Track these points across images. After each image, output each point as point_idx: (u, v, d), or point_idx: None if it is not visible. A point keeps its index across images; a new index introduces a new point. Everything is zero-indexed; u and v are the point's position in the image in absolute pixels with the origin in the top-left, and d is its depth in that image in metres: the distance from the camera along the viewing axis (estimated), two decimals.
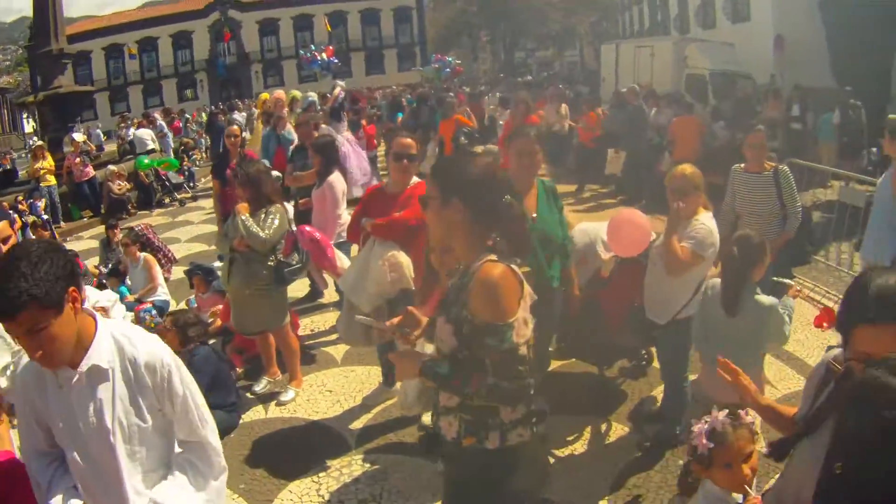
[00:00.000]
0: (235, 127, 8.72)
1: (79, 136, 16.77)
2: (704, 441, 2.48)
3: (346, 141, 12.43)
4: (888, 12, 16.19)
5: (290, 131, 12.72)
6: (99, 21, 62.49)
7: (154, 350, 2.40)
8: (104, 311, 5.91)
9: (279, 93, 15.15)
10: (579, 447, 4.71)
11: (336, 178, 6.67)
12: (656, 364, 5.58)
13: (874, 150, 12.06)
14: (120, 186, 15.57)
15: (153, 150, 19.58)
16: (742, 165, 5.72)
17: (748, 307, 3.74)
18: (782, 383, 5.30)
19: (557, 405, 5.10)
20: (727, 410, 2.55)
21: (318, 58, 29.18)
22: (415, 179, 5.01)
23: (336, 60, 30.75)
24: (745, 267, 3.75)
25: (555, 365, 5.62)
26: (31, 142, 22.87)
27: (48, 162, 15.77)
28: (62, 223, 15.28)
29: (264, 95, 17.03)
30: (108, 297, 6.59)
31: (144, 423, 2.39)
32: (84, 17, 66.25)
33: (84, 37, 59.08)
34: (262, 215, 5.41)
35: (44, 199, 14.79)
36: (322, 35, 58.03)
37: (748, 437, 2.50)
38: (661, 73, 18.60)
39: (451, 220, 2.49)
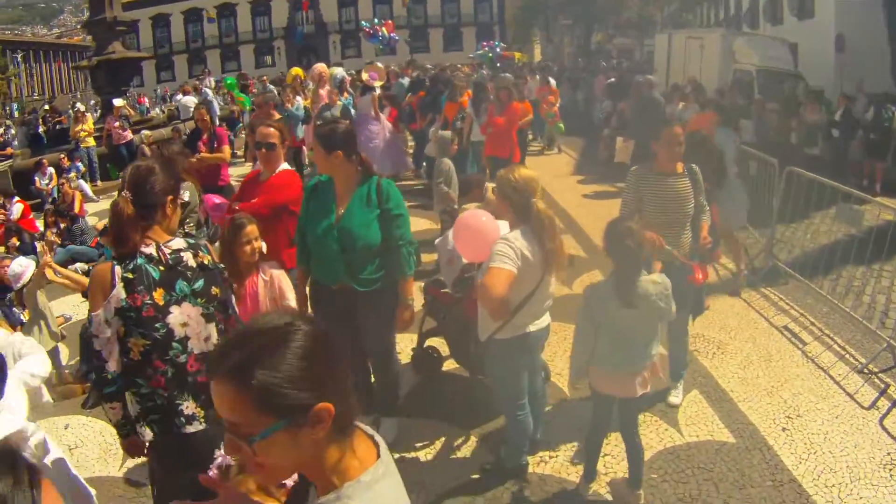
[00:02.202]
0: (202, 108, 8.93)
1: (118, 102, 17.30)
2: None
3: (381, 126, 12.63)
4: None
5: (300, 107, 12.90)
6: None
7: None
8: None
9: (321, 66, 15.32)
10: (422, 455, 4.56)
11: None
12: (556, 380, 5.45)
13: None
14: (152, 150, 16.04)
15: None
16: (643, 166, 5.01)
17: (641, 292, 3.64)
18: (696, 427, 4.88)
19: (424, 409, 5.09)
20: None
21: (379, 32, 29.03)
22: (283, 166, 5.06)
23: (396, 36, 30.62)
24: (639, 253, 3.66)
25: (447, 366, 5.52)
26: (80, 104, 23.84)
27: (88, 125, 16.61)
28: (99, 182, 15.91)
29: (295, 70, 17.31)
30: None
31: None
32: None
33: (163, 0, 61.00)
34: None
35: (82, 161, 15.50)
36: (400, 9, 58.22)
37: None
38: (709, 66, 17.76)
39: None
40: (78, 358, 6.16)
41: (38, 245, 11.00)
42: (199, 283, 2.93)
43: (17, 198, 13.30)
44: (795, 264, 7.78)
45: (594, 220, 9.11)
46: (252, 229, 4.04)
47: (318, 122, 11.56)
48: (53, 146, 18.34)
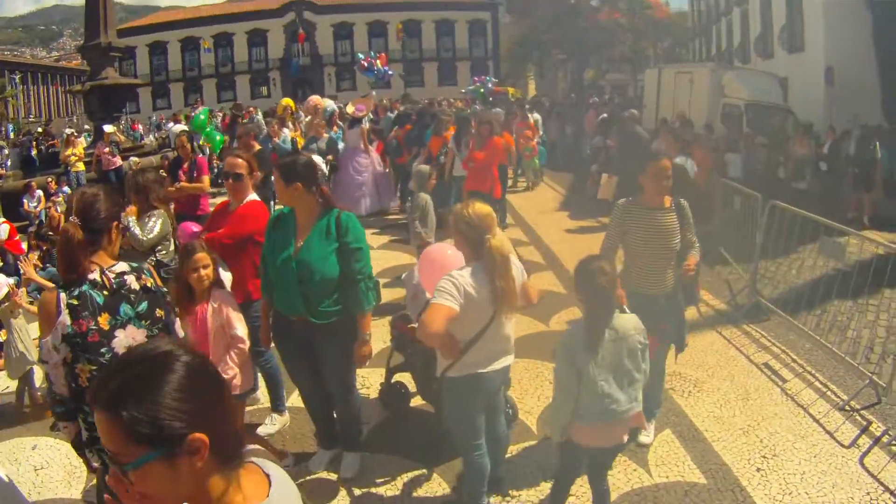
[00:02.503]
0: (184, 136, 8.88)
1: (108, 128, 17.30)
2: None
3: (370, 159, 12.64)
4: None
5: (287, 139, 12.86)
6: (175, 14, 64.62)
7: None
8: None
9: (316, 98, 15.41)
10: (383, 490, 4.42)
11: None
12: (525, 417, 5.32)
13: None
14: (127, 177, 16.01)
15: None
16: (630, 199, 4.84)
17: (620, 331, 3.48)
18: (667, 467, 4.73)
19: (388, 445, 4.97)
20: None
21: (375, 66, 29.13)
22: (251, 197, 5.04)
23: (390, 71, 30.75)
24: (613, 293, 3.49)
25: (415, 402, 5.38)
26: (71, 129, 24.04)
27: (78, 149, 16.91)
28: None
29: (285, 101, 17.34)
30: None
31: None
32: (170, 7, 68.58)
33: (161, 27, 61.82)
34: (146, 219, 5.69)
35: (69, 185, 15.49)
36: (395, 43, 58.76)
37: None
38: (699, 100, 17.84)
39: None
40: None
41: (21, 266, 10.96)
42: (143, 306, 2.98)
43: (3, 219, 13.30)
44: (779, 300, 7.69)
45: (576, 255, 8.87)
46: (202, 256, 4.04)
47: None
48: (45, 169, 18.42)
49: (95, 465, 2.99)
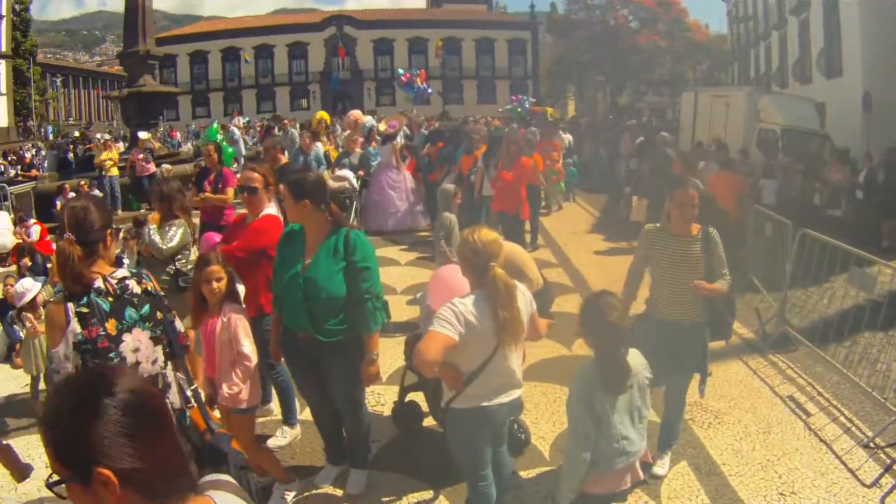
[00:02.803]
0: (210, 146, 8.96)
1: (143, 135, 17.56)
2: None
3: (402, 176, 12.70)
4: None
5: (319, 153, 12.91)
6: (217, 24, 65.64)
7: None
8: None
9: (357, 113, 15.50)
10: None
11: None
12: (538, 443, 5.25)
13: None
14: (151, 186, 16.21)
15: None
16: (658, 225, 4.83)
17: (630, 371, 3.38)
18: (679, 501, 4.64)
19: (397, 464, 4.92)
20: None
21: (416, 83, 29.31)
22: (268, 211, 5.07)
23: (430, 89, 30.98)
24: (623, 329, 3.40)
25: (428, 422, 5.33)
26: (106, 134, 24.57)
27: (113, 154, 16.94)
28: (119, 211, 16.05)
29: (320, 114, 17.47)
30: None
31: None
32: (212, 17, 69.68)
33: (202, 37, 62.86)
34: (167, 227, 5.77)
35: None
36: (435, 60, 59.08)
37: None
38: (734, 125, 17.58)
39: None
40: None
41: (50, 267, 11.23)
42: (146, 309, 3.08)
43: (34, 220, 13.59)
44: (807, 330, 7.49)
45: (605, 278, 8.94)
46: (216, 269, 4.07)
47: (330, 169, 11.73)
48: (81, 172, 18.63)
49: None
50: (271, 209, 5.18)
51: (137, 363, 3.00)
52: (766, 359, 6.94)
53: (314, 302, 4.00)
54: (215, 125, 18.40)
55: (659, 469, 4.75)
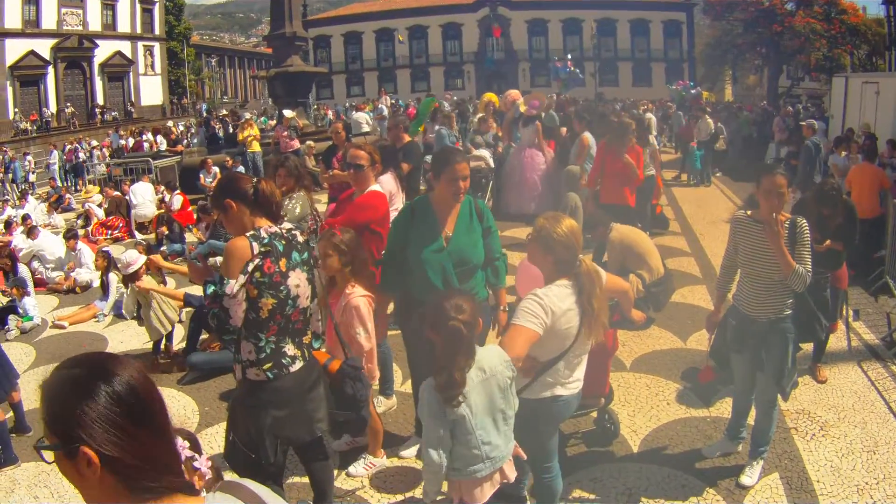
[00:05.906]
0: (339, 124, 9.31)
1: (289, 113, 18.41)
2: None
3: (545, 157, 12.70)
4: None
5: (444, 134, 13.08)
6: (371, 6, 66.82)
7: None
8: None
9: (514, 93, 15.51)
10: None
11: (385, 178, 6.78)
12: (629, 435, 5.19)
13: None
14: (312, 161, 16.93)
15: (367, 133, 21.23)
16: (749, 212, 4.60)
17: (487, 371, 3.21)
18: None
19: None
20: None
21: (570, 68, 29.23)
22: (374, 187, 5.32)
23: (581, 74, 30.89)
24: (471, 335, 3.13)
25: None
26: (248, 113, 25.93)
27: (255, 130, 18.18)
28: None
29: (488, 96, 17.54)
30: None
31: None
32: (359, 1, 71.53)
33: (356, 18, 64.63)
34: (288, 200, 6.25)
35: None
36: (589, 41, 58.04)
37: None
38: (885, 113, 16.30)
39: None
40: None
41: (187, 235, 12.06)
42: (306, 254, 3.65)
43: (178, 190, 14.57)
44: None
45: None
46: (323, 245, 4.38)
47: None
48: (229, 147, 19.85)
49: (261, 380, 3.53)
50: (377, 185, 5.39)
51: (297, 296, 3.49)
52: (888, 369, 6.38)
53: (462, 270, 4.26)
54: (429, 99, 18.68)
55: (746, 479, 4.53)
